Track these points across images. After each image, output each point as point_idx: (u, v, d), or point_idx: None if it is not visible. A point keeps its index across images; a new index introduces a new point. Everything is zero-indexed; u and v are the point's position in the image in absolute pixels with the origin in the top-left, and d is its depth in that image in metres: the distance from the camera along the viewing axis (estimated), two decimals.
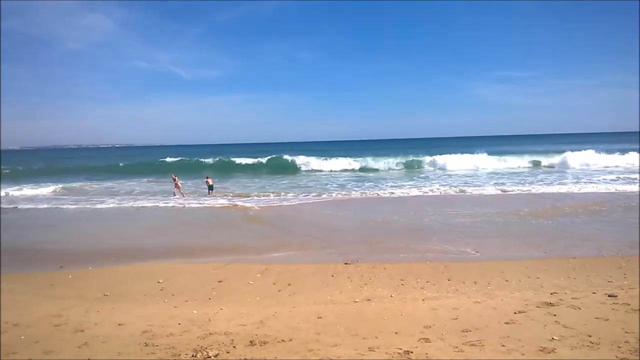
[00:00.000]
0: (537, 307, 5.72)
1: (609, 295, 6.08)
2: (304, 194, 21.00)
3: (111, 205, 18.99)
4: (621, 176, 24.17)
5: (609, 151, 34.03)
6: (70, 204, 19.55)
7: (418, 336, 4.90)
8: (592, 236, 10.75)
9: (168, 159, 43.70)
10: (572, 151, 33.76)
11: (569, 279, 7.33)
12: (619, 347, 4.34)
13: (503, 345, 4.52)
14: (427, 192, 20.39)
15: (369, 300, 6.55)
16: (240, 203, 18.40)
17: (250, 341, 4.87)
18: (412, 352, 4.44)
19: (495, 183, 23.31)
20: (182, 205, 18.46)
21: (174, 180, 22.32)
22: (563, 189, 20.11)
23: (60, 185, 26.25)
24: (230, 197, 20.72)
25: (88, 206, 18.92)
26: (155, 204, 19.00)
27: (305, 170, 34.42)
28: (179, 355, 4.56)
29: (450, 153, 37.07)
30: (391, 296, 6.72)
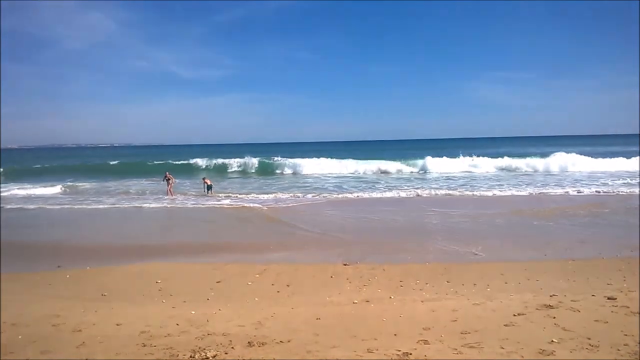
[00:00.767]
0: (537, 309, 5.71)
1: (609, 298, 6.06)
2: (304, 194, 21.02)
3: (111, 205, 18.94)
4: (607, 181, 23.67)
5: (606, 154, 33.92)
6: (69, 204, 19.52)
7: (417, 338, 4.88)
8: (591, 238, 10.76)
9: (197, 161, 40.46)
10: (568, 152, 33.42)
11: (569, 281, 7.32)
12: (619, 350, 4.33)
13: (502, 348, 4.51)
14: (425, 194, 20.40)
15: (368, 301, 6.54)
16: (246, 204, 18.41)
17: (249, 342, 4.85)
18: (411, 354, 4.42)
19: (496, 185, 23.32)
20: (193, 205, 18.41)
21: (168, 178, 22.21)
22: (560, 191, 20.15)
23: (59, 184, 26.17)
24: (235, 198, 20.62)
25: (87, 206, 18.88)
26: (158, 205, 18.97)
27: (306, 171, 34.30)
28: (177, 355, 4.55)
29: (448, 155, 36.98)
30: (390, 297, 6.71)
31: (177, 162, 40.69)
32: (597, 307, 5.68)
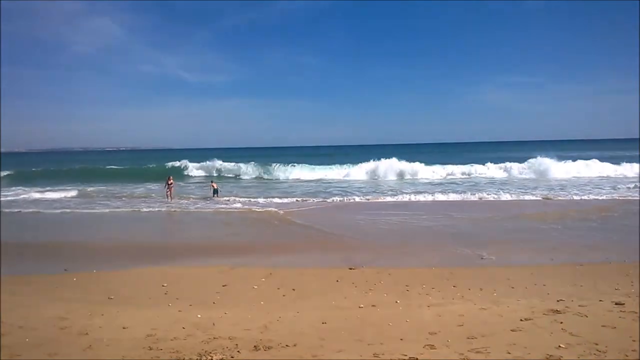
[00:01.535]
0: (544, 314, 5.68)
1: (616, 303, 6.03)
2: (303, 199, 21.05)
3: (119, 209, 18.98)
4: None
5: (617, 159, 33.43)
6: (76, 208, 19.62)
7: (423, 342, 4.87)
8: (598, 243, 10.70)
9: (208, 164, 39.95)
10: (574, 160, 32.55)
11: (576, 286, 7.27)
12: (626, 356, 4.30)
13: (509, 353, 4.49)
14: (430, 198, 20.37)
15: (373, 305, 6.52)
16: (254, 207, 18.49)
17: (255, 346, 4.86)
18: (417, 359, 4.42)
19: (506, 189, 23.22)
20: (196, 209, 18.48)
21: (170, 183, 22.24)
22: (566, 196, 20.06)
23: (72, 188, 26.31)
24: (246, 202, 20.61)
25: (94, 210, 18.96)
26: (163, 209, 19.05)
27: (309, 175, 34.29)
28: (183, 359, 4.56)
29: (454, 159, 36.78)
30: (396, 302, 6.69)
31: (177, 165, 40.72)
32: (605, 313, 5.65)
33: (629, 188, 22.06)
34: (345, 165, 35.76)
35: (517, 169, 31.95)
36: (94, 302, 7.04)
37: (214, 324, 5.68)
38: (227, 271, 8.83)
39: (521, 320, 5.47)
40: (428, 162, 34.06)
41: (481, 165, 33.48)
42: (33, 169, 43.46)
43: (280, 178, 33.82)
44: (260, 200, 20.82)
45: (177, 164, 40.65)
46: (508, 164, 33.02)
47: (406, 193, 22.22)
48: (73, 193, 24.86)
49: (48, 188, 26.57)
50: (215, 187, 22.53)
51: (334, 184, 28.66)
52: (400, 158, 33.67)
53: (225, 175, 36.76)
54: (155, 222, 16.40)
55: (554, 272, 8.21)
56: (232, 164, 39.46)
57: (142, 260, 10.03)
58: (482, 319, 5.61)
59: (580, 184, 24.73)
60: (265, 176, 35.15)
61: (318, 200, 20.70)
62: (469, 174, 31.87)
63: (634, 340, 4.66)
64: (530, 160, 31.87)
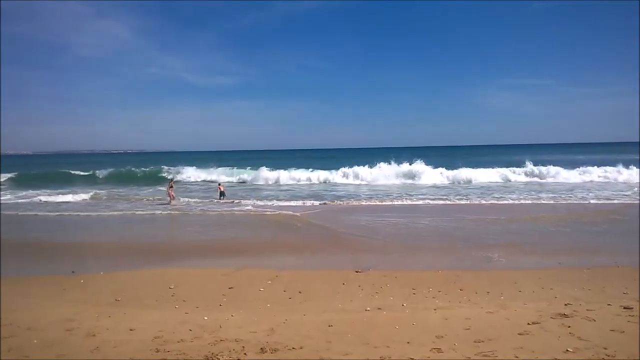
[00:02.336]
0: (551, 318, 5.64)
1: (625, 307, 5.98)
2: (303, 202, 20.99)
3: (126, 212, 19.07)
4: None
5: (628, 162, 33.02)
6: (84, 210, 19.74)
7: (430, 346, 4.86)
8: (606, 246, 10.62)
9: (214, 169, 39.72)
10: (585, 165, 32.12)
11: (584, 290, 7.22)
12: None
13: (516, 357, 4.47)
14: (434, 201, 20.33)
15: (380, 309, 6.51)
16: (260, 210, 18.51)
17: (261, 348, 4.86)
18: None
19: (512, 192, 23.14)
20: (201, 211, 18.54)
21: (171, 186, 22.28)
22: (574, 199, 19.94)
23: (72, 190, 26.49)
24: (253, 204, 20.64)
25: (102, 212, 19.07)
26: (169, 211, 19.12)
27: (315, 177, 34.26)
28: None
29: (460, 162, 36.62)
30: (403, 305, 6.68)
31: (182, 168, 40.75)
32: (613, 317, 5.60)
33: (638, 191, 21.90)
34: (350, 168, 35.64)
35: (523, 172, 31.83)
36: (102, 303, 7.08)
37: (220, 326, 5.70)
38: (233, 273, 8.85)
39: (528, 324, 5.44)
40: (434, 165, 33.88)
41: (488, 169, 33.28)
42: (33, 172, 43.64)
43: (285, 181, 33.81)
44: (265, 202, 20.89)
45: (182, 166, 40.85)
46: (514, 168, 32.90)
47: (412, 196, 22.28)
48: (84, 196, 24.97)
49: (59, 190, 26.74)
50: (222, 190, 22.62)
51: (340, 187, 28.69)
52: (405, 161, 33.50)
53: (230, 178, 36.81)
54: (162, 224, 16.45)
55: (562, 275, 8.15)
56: (236, 167, 39.58)
57: (149, 262, 10.08)
58: (489, 323, 5.59)
59: (588, 187, 24.60)
60: (270, 179, 35.13)
61: (324, 202, 20.70)
62: (475, 177, 31.63)
63: None
64: (536, 163, 31.69)
